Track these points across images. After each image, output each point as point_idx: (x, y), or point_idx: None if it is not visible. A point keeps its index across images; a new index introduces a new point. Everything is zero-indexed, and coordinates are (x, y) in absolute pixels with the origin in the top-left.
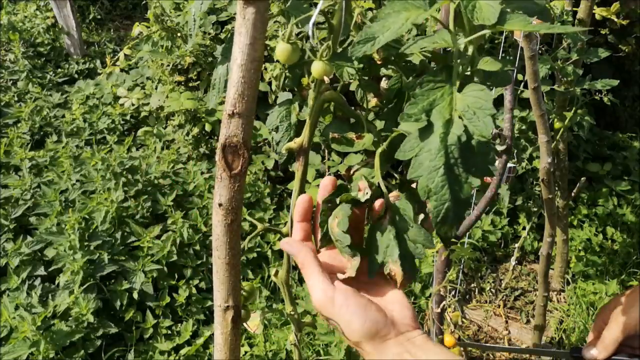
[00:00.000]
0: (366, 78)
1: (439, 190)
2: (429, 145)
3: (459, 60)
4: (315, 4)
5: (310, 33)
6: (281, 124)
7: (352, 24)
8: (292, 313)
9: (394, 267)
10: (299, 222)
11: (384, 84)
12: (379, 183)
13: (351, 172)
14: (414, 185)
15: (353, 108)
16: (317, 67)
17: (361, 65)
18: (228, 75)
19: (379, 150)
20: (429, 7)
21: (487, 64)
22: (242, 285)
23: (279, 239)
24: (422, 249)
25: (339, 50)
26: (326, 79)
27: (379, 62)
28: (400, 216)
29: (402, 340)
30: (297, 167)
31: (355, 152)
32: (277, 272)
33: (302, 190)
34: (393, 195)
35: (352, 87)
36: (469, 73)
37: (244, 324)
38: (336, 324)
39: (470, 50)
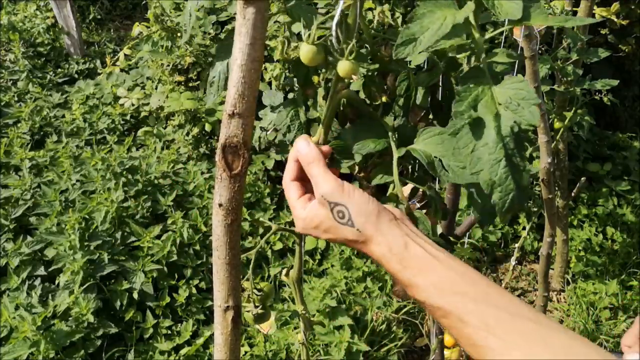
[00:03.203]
0: (372, 75)
1: (503, 181)
2: (486, 139)
3: (479, 55)
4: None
5: (333, 33)
6: (292, 124)
7: (374, 22)
8: (304, 312)
9: None
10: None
11: (390, 79)
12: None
13: (369, 171)
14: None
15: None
16: (345, 67)
17: (376, 65)
18: (228, 74)
19: (396, 156)
20: (457, 6)
21: (500, 57)
22: (260, 285)
23: (280, 239)
24: None
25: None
26: (355, 77)
27: (386, 59)
28: (421, 224)
29: (400, 224)
30: None
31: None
32: (288, 272)
33: None
34: (407, 188)
35: (355, 87)
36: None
37: (258, 325)
38: (343, 207)
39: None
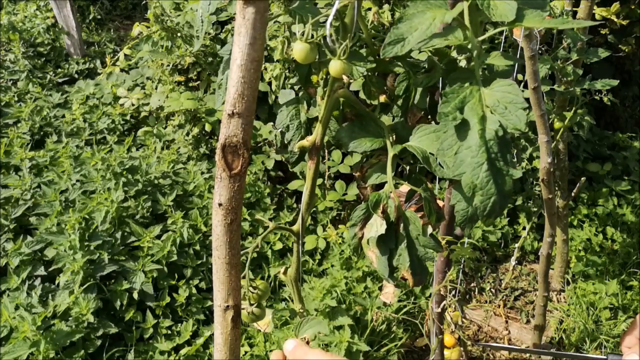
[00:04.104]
0: (372, 75)
1: (484, 185)
2: (469, 142)
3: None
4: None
5: (327, 32)
6: (292, 123)
7: (368, 23)
8: (301, 310)
9: (406, 274)
10: None
11: (390, 80)
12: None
13: (364, 170)
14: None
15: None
16: (336, 66)
17: (373, 65)
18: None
19: (391, 154)
20: (448, 6)
21: (496, 59)
22: (256, 283)
23: (280, 239)
24: (432, 254)
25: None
26: (345, 78)
27: (386, 59)
28: (412, 224)
29: None
30: (309, 166)
31: (368, 153)
32: (286, 270)
33: (313, 188)
34: (401, 189)
35: (355, 86)
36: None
37: (255, 323)
38: None
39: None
